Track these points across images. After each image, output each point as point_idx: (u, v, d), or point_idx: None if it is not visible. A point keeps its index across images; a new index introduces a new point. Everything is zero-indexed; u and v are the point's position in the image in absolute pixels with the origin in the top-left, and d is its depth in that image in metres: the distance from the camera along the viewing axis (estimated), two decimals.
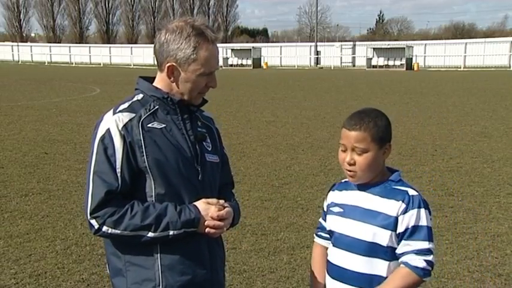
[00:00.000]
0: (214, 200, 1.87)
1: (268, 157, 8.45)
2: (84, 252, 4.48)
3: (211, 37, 1.86)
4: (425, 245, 1.83)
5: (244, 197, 6.10)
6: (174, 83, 1.88)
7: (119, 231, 1.77)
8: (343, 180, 2.05)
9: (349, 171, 1.91)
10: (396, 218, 1.85)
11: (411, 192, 1.88)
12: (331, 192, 2.09)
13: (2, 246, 4.61)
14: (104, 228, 1.78)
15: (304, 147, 9.26)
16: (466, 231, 4.97)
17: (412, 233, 1.83)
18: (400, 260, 1.87)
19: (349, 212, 1.95)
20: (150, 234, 1.77)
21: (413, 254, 1.83)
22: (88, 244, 4.64)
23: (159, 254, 1.82)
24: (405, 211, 1.84)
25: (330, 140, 9.96)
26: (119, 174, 1.79)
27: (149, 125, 1.84)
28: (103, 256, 4.36)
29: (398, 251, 1.86)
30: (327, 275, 2.04)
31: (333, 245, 2.01)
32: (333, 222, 2.01)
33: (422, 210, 1.85)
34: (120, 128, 1.80)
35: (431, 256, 1.84)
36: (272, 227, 5.14)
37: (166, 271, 1.82)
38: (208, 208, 1.83)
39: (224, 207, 1.87)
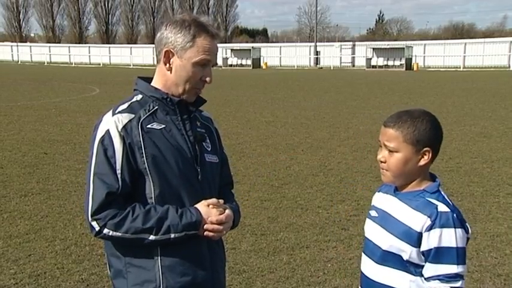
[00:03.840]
0: (214, 201, 1.86)
1: (268, 157, 8.45)
2: (83, 252, 4.48)
3: (211, 31, 1.86)
4: (452, 269, 1.68)
5: (244, 197, 6.09)
6: (169, 72, 1.87)
7: (120, 234, 1.77)
8: None
9: (382, 169, 1.84)
10: (420, 234, 1.72)
11: (441, 208, 1.72)
12: (376, 193, 2.01)
13: (2, 246, 4.61)
14: (105, 231, 1.77)
15: (303, 148, 9.26)
16: None
17: (436, 255, 1.69)
18: (426, 285, 1.75)
19: (381, 218, 1.87)
20: (152, 237, 1.77)
21: (438, 280, 1.71)
22: (87, 244, 4.64)
23: (159, 255, 1.82)
24: (430, 228, 1.70)
25: (330, 140, 9.97)
26: (119, 176, 1.78)
27: (148, 126, 1.83)
28: (102, 256, 4.36)
29: (425, 273, 1.74)
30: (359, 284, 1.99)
31: (363, 251, 1.95)
32: (366, 226, 1.95)
33: (451, 230, 1.69)
34: (119, 129, 1.80)
35: (460, 282, 1.70)
36: (271, 227, 5.14)
37: (167, 272, 1.82)
38: (209, 211, 1.83)
39: (224, 210, 1.87)
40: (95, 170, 1.80)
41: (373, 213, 1.94)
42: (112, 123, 1.81)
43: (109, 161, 1.78)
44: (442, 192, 1.81)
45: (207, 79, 1.89)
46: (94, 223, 1.78)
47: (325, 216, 5.47)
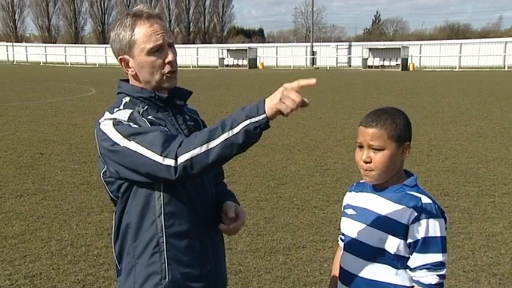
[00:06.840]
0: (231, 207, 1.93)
1: (264, 157, 8.46)
2: (79, 253, 4.47)
3: (144, 13, 1.81)
4: (438, 257, 1.76)
5: (240, 197, 6.10)
6: (135, 74, 1.85)
7: (190, 152, 1.62)
8: (360, 181, 1.99)
9: (366, 170, 1.84)
10: (407, 226, 1.77)
11: (425, 199, 1.79)
12: (347, 193, 2.04)
13: None
14: (180, 159, 1.63)
15: (300, 148, 9.27)
16: (461, 231, 4.98)
17: (423, 245, 1.76)
18: (412, 275, 1.80)
19: (361, 215, 1.90)
20: (218, 139, 1.61)
21: (425, 270, 1.76)
22: (83, 245, 4.63)
23: (165, 248, 1.82)
24: (416, 220, 1.76)
25: (326, 140, 9.98)
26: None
27: (149, 117, 1.82)
28: (98, 257, 4.36)
29: (411, 264, 1.80)
30: (338, 281, 2.00)
31: (344, 249, 1.97)
32: (345, 225, 1.97)
33: (436, 220, 1.77)
34: (126, 120, 1.77)
35: (444, 270, 1.78)
36: (268, 228, 5.14)
37: (172, 263, 1.82)
38: (279, 91, 1.62)
39: (236, 214, 1.92)
40: (130, 133, 1.68)
41: (350, 211, 1.97)
42: (116, 115, 1.78)
43: (137, 123, 1.74)
44: (420, 186, 1.88)
45: (168, 58, 1.82)
46: (167, 160, 1.63)
47: (322, 216, 5.47)
